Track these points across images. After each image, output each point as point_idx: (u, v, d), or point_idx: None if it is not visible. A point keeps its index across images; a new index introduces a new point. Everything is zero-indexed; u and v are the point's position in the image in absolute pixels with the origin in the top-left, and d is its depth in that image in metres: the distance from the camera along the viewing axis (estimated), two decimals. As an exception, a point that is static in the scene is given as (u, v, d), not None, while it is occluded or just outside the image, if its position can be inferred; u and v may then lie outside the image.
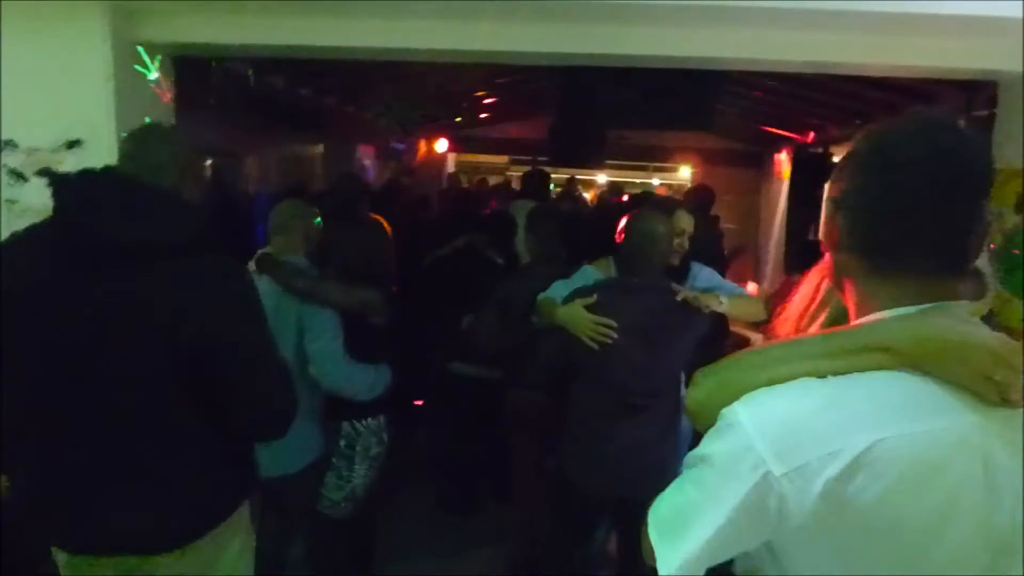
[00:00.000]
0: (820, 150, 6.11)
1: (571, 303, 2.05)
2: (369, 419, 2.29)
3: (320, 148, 6.67)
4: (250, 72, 4.00)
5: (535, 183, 4.72)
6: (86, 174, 1.29)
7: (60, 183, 1.27)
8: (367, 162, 7.76)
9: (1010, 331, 2.15)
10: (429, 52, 2.45)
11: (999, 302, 2.23)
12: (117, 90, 2.34)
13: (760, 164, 7.71)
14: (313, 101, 5.20)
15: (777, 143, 7.03)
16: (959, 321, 0.78)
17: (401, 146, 8.27)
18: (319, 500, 2.29)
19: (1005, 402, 0.75)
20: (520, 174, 9.89)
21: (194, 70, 2.82)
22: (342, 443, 2.27)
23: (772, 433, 0.75)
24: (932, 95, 4.39)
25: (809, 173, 6.16)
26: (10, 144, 2.40)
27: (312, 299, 2.10)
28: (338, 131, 6.25)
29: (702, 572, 0.82)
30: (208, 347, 1.29)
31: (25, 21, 2.24)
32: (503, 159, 11.25)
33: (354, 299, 2.17)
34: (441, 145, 8.43)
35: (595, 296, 2.02)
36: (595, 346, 1.98)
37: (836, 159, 6.15)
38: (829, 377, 0.77)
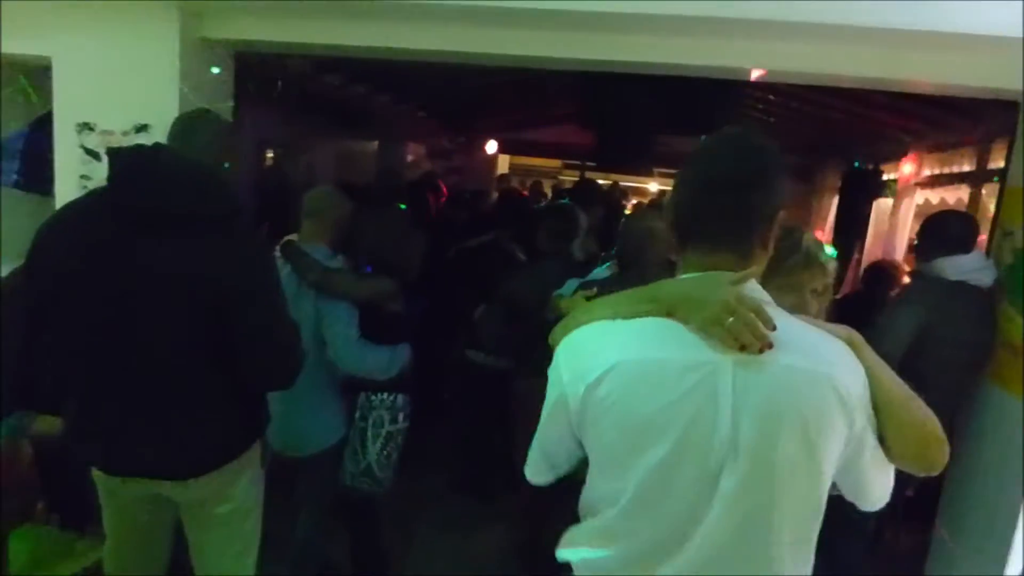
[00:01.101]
0: (870, 166, 6.00)
1: (574, 296, 2.18)
2: (384, 394, 2.37)
3: (374, 145, 6.98)
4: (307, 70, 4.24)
5: (584, 193, 4.88)
6: (137, 148, 1.50)
7: (115, 155, 1.49)
8: (417, 159, 8.02)
9: (1013, 347, 2.16)
10: (466, 55, 2.56)
11: (1004, 320, 2.23)
12: (182, 81, 2.56)
13: (809, 177, 7.59)
14: (368, 99, 5.45)
15: (827, 157, 6.92)
16: (717, 284, 1.00)
17: (451, 145, 8.51)
18: (342, 474, 2.38)
19: (743, 348, 0.96)
20: (572, 178, 10.03)
21: (255, 66, 3.05)
22: (357, 415, 2.37)
23: (567, 354, 1.08)
24: (982, 112, 4.29)
25: (859, 189, 6.06)
26: (87, 126, 2.67)
27: (323, 291, 2.20)
28: (391, 129, 6.52)
29: (548, 471, 1.14)
30: (229, 303, 1.47)
31: (103, 19, 2.50)
32: (556, 163, 11.38)
33: (364, 290, 2.26)
34: (491, 147, 8.62)
35: (595, 289, 2.13)
36: None
37: (886, 176, 6.06)
38: (618, 320, 1.05)
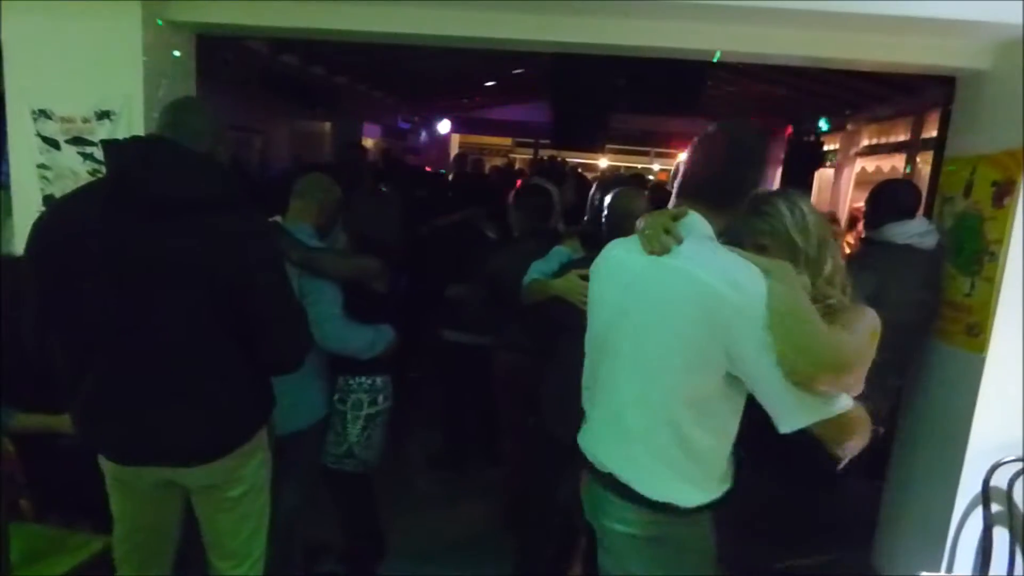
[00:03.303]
0: (812, 137, 6.28)
1: (567, 275, 2.23)
2: (362, 377, 2.37)
3: (328, 125, 6.86)
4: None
5: (553, 172, 4.97)
6: (137, 139, 1.50)
7: (114, 147, 1.47)
8: (377, 140, 7.94)
9: (955, 305, 2.37)
10: (434, 37, 2.59)
11: (947, 279, 2.44)
12: (145, 66, 2.49)
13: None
14: (324, 80, 5.37)
15: (771, 129, 7.18)
16: (659, 214, 1.40)
17: (407, 125, 8.44)
18: (324, 456, 2.40)
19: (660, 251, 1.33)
20: (524, 156, 10.08)
21: (215, 48, 2.98)
22: (336, 397, 2.39)
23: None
24: (917, 88, 4.57)
25: (801, 159, 6.35)
26: (44, 114, 2.57)
27: (307, 270, 2.19)
28: (346, 109, 6.42)
29: None
30: (238, 288, 1.50)
31: (63, 1, 2.40)
32: (507, 141, 11.42)
33: (349, 267, 2.28)
34: (444, 126, 8.59)
35: (587, 269, 2.21)
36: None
37: (828, 147, 6.36)
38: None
